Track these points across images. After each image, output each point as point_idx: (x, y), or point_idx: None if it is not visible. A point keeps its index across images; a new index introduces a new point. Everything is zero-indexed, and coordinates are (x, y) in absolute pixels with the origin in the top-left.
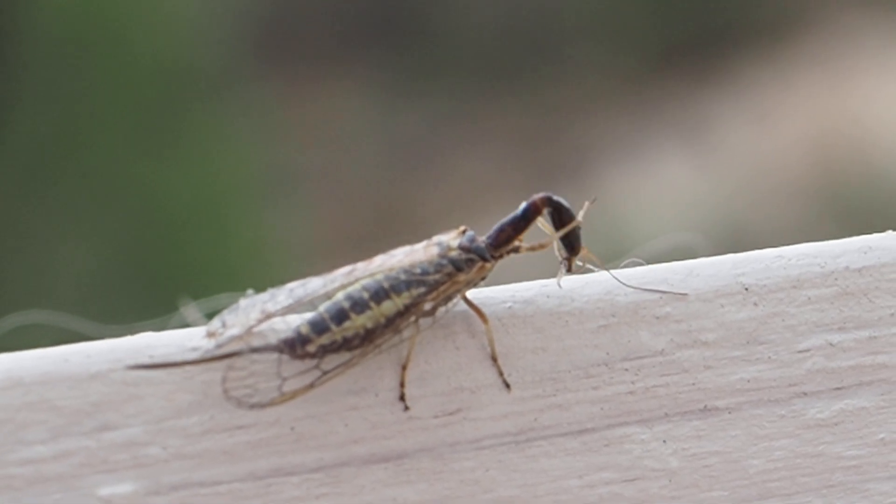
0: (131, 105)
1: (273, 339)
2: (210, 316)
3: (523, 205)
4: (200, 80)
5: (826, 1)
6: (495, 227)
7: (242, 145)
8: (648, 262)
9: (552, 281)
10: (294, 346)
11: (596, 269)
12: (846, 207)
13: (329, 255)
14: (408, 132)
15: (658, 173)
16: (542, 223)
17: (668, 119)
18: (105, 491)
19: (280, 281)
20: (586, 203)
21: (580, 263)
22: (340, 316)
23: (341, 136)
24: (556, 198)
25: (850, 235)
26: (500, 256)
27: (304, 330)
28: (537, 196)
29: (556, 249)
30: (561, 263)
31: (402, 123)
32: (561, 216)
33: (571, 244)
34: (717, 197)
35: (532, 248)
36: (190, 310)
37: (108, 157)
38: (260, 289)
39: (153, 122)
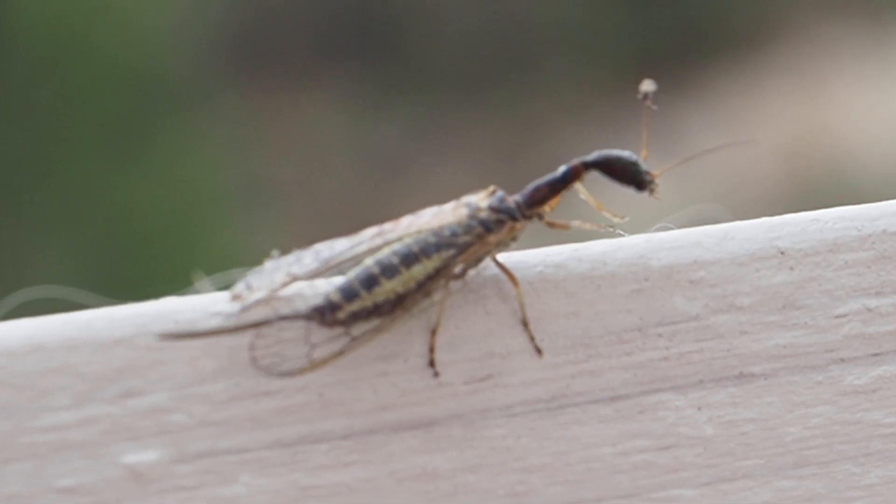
0: (104, 116)
1: (300, 305)
2: (223, 290)
3: (563, 167)
4: (174, 92)
5: (800, 11)
6: (530, 185)
7: (216, 157)
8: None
9: (584, 245)
10: (324, 313)
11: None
12: None
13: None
14: (383, 143)
15: None
16: (585, 193)
17: (642, 130)
18: (129, 458)
19: None
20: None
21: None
22: (370, 281)
23: (316, 148)
24: (590, 159)
25: None
26: (532, 217)
27: (334, 297)
28: (577, 160)
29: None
30: (613, 227)
31: (377, 135)
32: (611, 169)
33: (640, 182)
34: (689, 207)
35: (553, 224)
36: (204, 283)
37: (80, 168)
38: None
39: (126, 134)
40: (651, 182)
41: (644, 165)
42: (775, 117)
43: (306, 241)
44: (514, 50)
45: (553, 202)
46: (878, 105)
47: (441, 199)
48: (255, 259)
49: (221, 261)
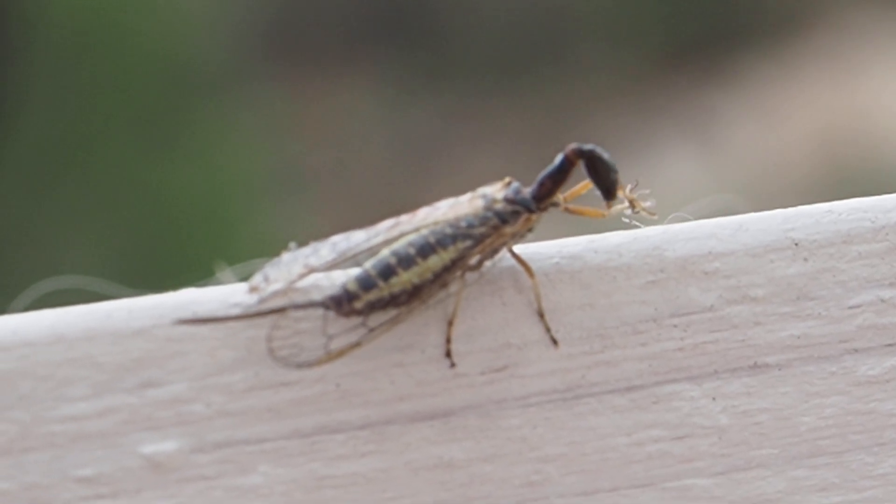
0: (138, 103)
1: (317, 296)
2: (246, 280)
3: (559, 155)
4: (208, 78)
5: None
6: (537, 179)
7: (250, 143)
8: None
9: (600, 236)
10: (341, 303)
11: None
12: None
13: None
14: (417, 130)
15: (666, 170)
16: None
17: (676, 116)
18: (148, 448)
19: None
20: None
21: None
22: (387, 272)
23: (350, 134)
24: (586, 147)
25: None
26: (545, 208)
27: (352, 287)
28: (569, 148)
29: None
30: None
31: (411, 121)
32: (595, 164)
33: (608, 189)
34: (724, 193)
35: (570, 210)
36: (226, 274)
37: (115, 155)
38: None
39: (160, 120)
40: (614, 196)
41: (618, 178)
42: (808, 104)
43: (339, 226)
44: (547, 36)
45: (559, 193)
46: None
47: (474, 185)
48: (287, 245)
49: (254, 246)
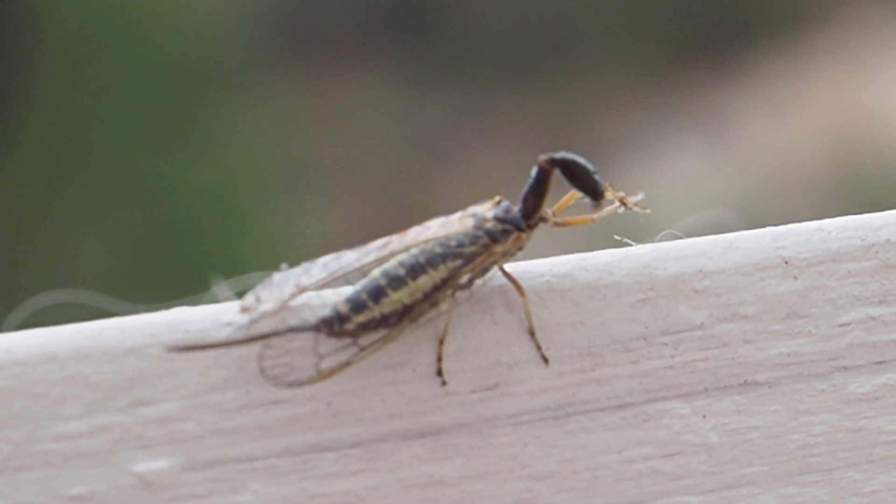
0: (148, 100)
1: (308, 316)
2: (242, 294)
3: (534, 169)
4: (219, 74)
5: None
6: (520, 198)
7: (261, 139)
8: (686, 237)
9: (590, 254)
10: (332, 324)
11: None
12: (864, 199)
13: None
14: (427, 125)
15: (676, 166)
16: (610, 191)
17: (687, 112)
18: (140, 467)
19: None
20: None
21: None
22: (377, 293)
23: (360, 130)
24: (557, 155)
25: None
26: (535, 225)
27: (343, 308)
28: (540, 158)
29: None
30: (619, 207)
31: (421, 117)
32: (571, 169)
33: (593, 191)
34: (735, 189)
35: (560, 224)
36: (221, 288)
37: (126, 151)
38: None
39: (171, 116)
40: (602, 195)
41: (600, 178)
42: (819, 100)
43: (351, 221)
44: (558, 32)
45: (544, 207)
46: None
47: (484, 182)
48: (298, 242)
49: (266, 244)
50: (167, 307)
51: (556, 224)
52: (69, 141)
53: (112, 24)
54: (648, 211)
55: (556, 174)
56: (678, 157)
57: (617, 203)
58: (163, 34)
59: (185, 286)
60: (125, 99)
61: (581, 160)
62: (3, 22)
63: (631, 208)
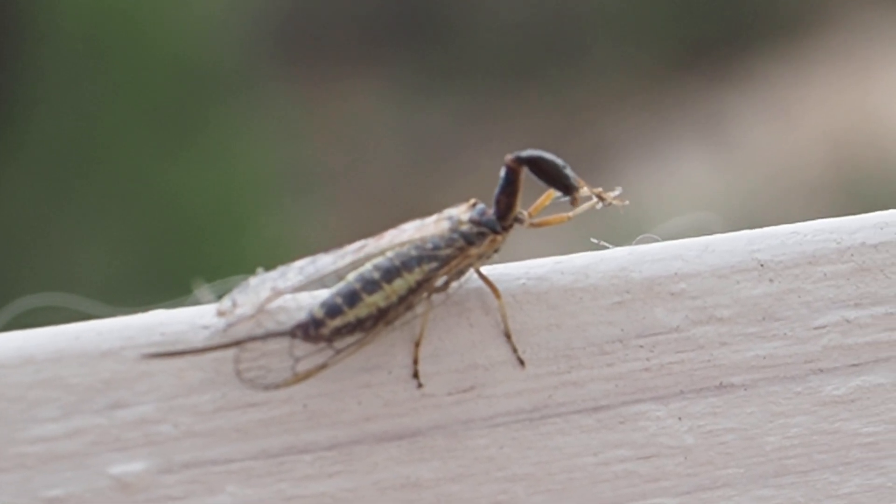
0: (151, 104)
1: (284, 320)
2: (223, 297)
3: (502, 169)
4: (221, 80)
5: None
6: (493, 200)
7: (263, 144)
8: (664, 240)
9: (566, 257)
10: (308, 329)
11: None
12: (866, 203)
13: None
14: (429, 130)
15: (678, 170)
16: (584, 185)
17: (688, 117)
18: (117, 469)
19: None
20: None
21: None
22: (353, 297)
23: (363, 134)
24: (523, 154)
25: None
26: (510, 227)
27: (318, 313)
28: (507, 158)
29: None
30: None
31: (423, 121)
32: (540, 166)
33: (565, 185)
34: (736, 194)
35: (536, 224)
36: (203, 292)
37: (128, 156)
38: None
39: (173, 122)
40: (576, 189)
41: (572, 173)
42: (821, 104)
43: (353, 226)
44: (560, 37)
45: (516, 207)
46: None
47: (486, 186)
48: (301, 246)
49: (269, 248)
50: (146, 310)
51: (531, 225)
52: (71, 145)
53: (114, 28)
54: (627, 203)
55: (526, 173)
56: (680, 162)
57: (594, 199)
58: (165, 38)
59: (187, 290)
60: (127, 103)
61: (549, 156)
62: (5, 25)
63: (609, 203)
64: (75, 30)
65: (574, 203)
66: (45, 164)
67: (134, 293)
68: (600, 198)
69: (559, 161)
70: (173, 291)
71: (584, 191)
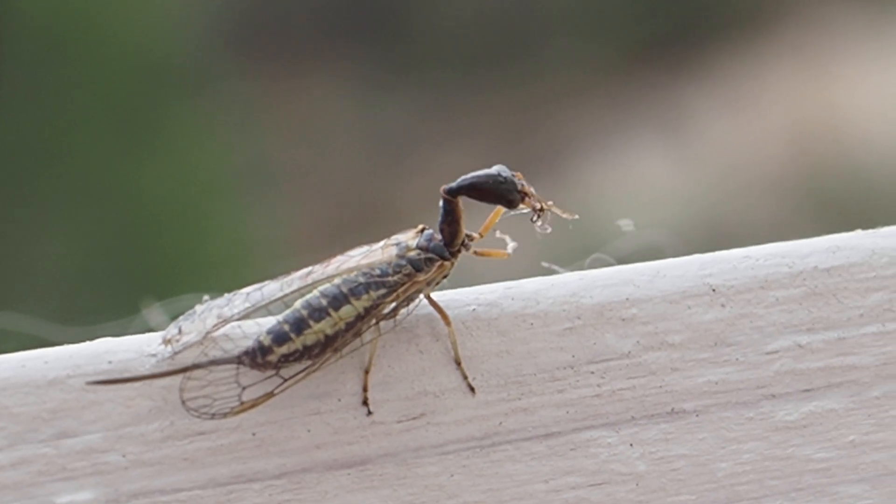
0: (110, 102)
1: (230, 347)
2: (175, 317)
3: (441, 201)
4: (179, 77)
5: None
6: (437, 229)
7: (222, 142)
8: (617, 260)
9: (516, 283)
10: (255, 356)
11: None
12: (824, 200)
13: (311, 250)
14: (388, 126)
15: (636, 165)
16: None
17: (647, 111)
18: (63, 499)
19: (261, 278)
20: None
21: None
22: (299, 324)
23: (322, 131)
24: (454, 185)
25: (829, 228)
26: (458, 253)
27: (265, 340)
28: (441, 190)
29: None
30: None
31: (382, 117)
32: (475, 190)
33: (508, 201)
34: (695, 189)
35: (479, 254)
36: (153, 312)
37: (87, 154)
38: (240, 285)
39: (131, 119)
40: (522, 200)
41: (517, 183)
42: (780, 99)
43: (315, 222)
44: (519, 31)
45: (486, 225)
46: (883, 85)
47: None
48: (263, 243)
49: (231, 246)
50: (99, 331)
51: (475, 254)
52: (29, 144)
53: (73, 26)
54: (577, 217)
55: (463, 199)
56: (638, 156)
57: (543, 208)
58: (125, 34)
59: (146, 290)
60: (86, 102)
61: (480, 176)
62: None
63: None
64: (34, 27)
65: (535, 217)
66: (1, 162)
67: (91, 292)
68: (540, 210)
69: (492, 177)
70: (133, 291)
71: (533, 201)
